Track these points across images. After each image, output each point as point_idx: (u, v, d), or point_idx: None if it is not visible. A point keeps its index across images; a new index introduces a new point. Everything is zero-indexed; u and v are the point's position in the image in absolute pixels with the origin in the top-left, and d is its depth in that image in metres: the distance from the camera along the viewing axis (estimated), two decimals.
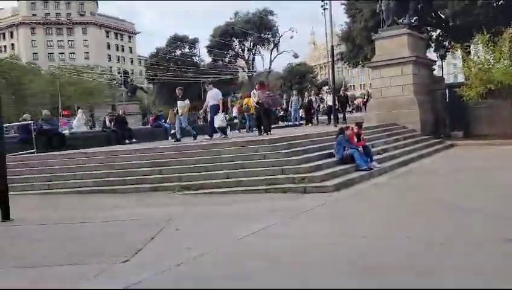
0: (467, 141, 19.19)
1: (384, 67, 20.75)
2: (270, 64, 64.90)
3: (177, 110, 15.39)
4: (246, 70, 64.30)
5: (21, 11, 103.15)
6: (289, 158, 10.98)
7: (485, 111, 20.03)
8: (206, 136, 14.63)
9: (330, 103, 22.24)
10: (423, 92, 21.09)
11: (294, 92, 24.86)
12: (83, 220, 7.33)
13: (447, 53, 29.86)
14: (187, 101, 15.14)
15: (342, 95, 23.58)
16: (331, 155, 11.89)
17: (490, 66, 18.18)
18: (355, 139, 12.13)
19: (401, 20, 21.01)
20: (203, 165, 10.94)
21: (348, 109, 25.85)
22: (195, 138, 15.21)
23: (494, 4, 22.38)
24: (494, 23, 21.49)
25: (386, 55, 20.73)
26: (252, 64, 64.50)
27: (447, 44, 29.53)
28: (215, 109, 14.41)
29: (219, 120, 14.28)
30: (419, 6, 26.70)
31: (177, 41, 61.44)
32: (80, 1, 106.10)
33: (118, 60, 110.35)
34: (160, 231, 6.41)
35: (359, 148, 11.72)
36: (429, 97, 21.45)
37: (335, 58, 41.36)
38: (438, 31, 29.75)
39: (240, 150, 11.61)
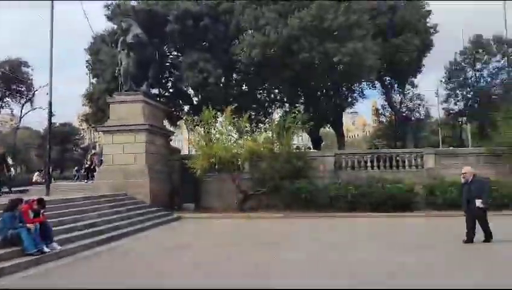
0: (195, 213, 19.02)
1: (118, 133, 19.35)
2: (20, 120, 56.40)
3: None
4: None
5: None
6: None
7: (214, 184, 20.64)
8: None
9: None
10: (159, 162, 20.47)
11: None
12: None
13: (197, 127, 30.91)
14: None
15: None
16: None
17: (215, 140, 18.86)
18: (31, 215, 9.64)
19: (144, 87, 20.44)
20: None
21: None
22: None
23: (221, 84, 24.58)
24: (224, 100, 23.31)
25: (120, 120, 19.46)
26: None
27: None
28: None
29: None
30: (167, 77, 27.38)
31: None
32: None
33: None
34: None
35: (32, 227, 9.23)
36: (165, 168, 21.00)
37: (82, 119, 38.93)
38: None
39: None
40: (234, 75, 27.49)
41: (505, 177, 18.96)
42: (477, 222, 10.10)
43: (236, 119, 19.65)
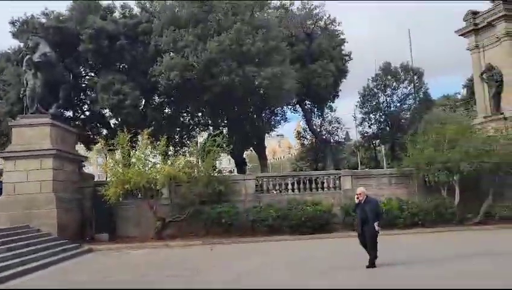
0: (109, 244, 17.73)
1: (21, 159, 17.67)
2: None
3: None
4: None
5: None
6: None
7: (131, 212, 19.50)
8: None
9: None
10: (69, 189, 18.95)
11: None
12: None
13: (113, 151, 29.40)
14: None
15: None
16: None
17: (132, 165, 17.95)
18: None
19: (53, 109, 18.95)
20: None
21: None
22: None
23: (141, 107, 23.81)
24: (145, 123, 22.40)
25: (24, 145, 17.82)
26: None
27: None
28: None
29: None
30: (82, 99, 25.87)
31: None
32: None
33: None
34: None
35: None
36: (76, 196, 19.49)
37: None
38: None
39: None
40: (156, 98, 26.74)
41: (414, 196, 20.18)
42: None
43: (157, 143, 18.89)
